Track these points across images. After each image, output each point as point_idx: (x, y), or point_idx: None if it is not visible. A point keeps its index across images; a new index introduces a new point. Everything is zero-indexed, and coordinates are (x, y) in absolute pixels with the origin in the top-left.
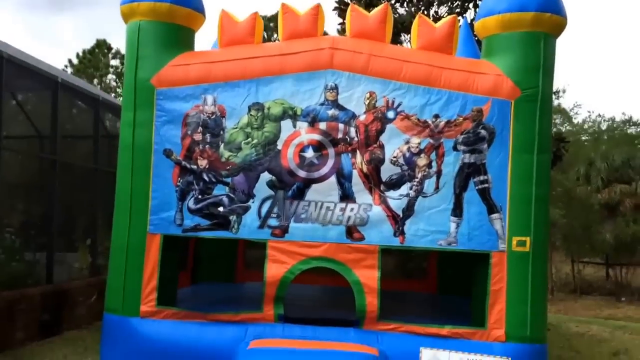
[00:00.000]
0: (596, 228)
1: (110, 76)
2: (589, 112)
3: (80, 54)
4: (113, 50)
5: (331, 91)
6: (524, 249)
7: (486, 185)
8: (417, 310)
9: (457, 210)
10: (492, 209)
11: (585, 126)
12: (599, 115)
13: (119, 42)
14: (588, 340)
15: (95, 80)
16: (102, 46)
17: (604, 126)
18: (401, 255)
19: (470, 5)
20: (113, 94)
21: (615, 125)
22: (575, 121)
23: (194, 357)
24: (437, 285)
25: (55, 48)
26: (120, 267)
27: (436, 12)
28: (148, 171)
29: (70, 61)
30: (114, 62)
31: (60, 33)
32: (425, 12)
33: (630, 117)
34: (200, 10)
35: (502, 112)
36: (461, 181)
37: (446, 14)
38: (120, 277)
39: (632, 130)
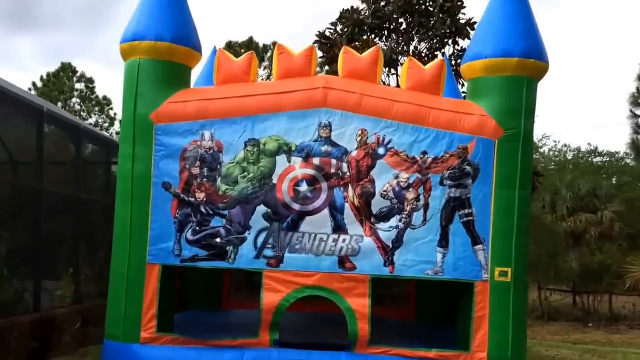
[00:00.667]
0: (562, 256)
1: (74, 99)
2: (554, 141)
3: (45, 76)
4: (78, 74)
5: (324, 128)
6: (505, 279)
7: (470, 218)
8: (402, 335)
9: (443, 242)
10: (475, 240)
11: (551, 154)
12: (565, 145)
13: (81, 64)
14: None
15: (60, 104)
16: (67, 69)
17: (569, 156)
18: (381, 285)
19: (450, 41)
20: (78, 117)
21: (580, 155)
22: (541, 150)
23: None
24: (416, 313)
25: (13, 69)
26: (120, 295)
27: (416, 48)
28: (147, 203)
29: (34, 84)
30: (79, 86)
31: (20, 54)
32: (405, 48)
33: (596, 148)
34: (198, 49)
35: (486, 150)
36: (447, 214)
37: (425, 49)
38: (121, 305)
39: (597, 160)
